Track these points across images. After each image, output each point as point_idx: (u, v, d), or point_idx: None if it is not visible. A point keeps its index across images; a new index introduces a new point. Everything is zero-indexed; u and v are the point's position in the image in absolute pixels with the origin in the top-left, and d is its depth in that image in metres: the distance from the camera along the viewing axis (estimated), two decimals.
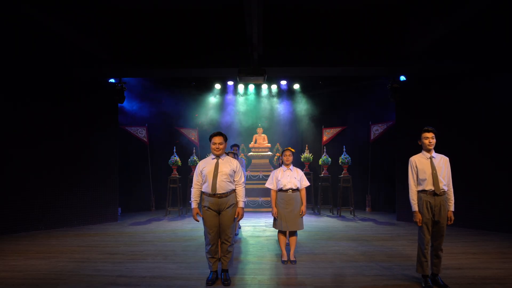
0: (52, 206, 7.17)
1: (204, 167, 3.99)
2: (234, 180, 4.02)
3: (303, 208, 4.68)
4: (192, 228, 7.22)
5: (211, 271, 4.00)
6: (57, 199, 7.23)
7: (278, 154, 10.18)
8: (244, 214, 8.84)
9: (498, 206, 6.63)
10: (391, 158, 8.96)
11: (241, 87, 10.94)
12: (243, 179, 4.09)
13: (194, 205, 4.01)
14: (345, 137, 10.12)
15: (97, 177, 7.81)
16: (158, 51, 7.38)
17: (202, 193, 4.02)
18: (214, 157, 4.05)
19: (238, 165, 4.10)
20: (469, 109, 7.11)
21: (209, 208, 3.92)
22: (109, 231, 6.96)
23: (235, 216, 3.98)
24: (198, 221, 4.10)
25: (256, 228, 7.27)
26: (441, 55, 7.10)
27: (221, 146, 4.00)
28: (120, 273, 4.30)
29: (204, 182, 3.97)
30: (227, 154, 5.45)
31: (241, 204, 4.00)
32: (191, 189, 4.10)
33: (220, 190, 3.90)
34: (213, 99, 11.00)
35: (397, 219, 8.10)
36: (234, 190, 4.02)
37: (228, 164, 4.00)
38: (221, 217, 3.94)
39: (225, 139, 4.07)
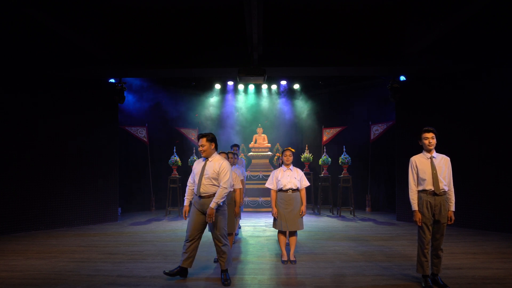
0: (52, 206, 7.16)
1: (195, 167, 4.11)
2: (219, 182, 3.97)
3: (303, 208, 4.68)
4: None
5: (179, 265, 4.06)
6: (57, 199, 7.22)
7: (278, 154, 10.18)
8: (244, 214, 8.98)
9: (498, 206, 6.62)
10: (391, 158, 8.95)
11: (241, 87, 10.93)
12: (227, 184, 3.94)
13: (186, 202, 4.13)
14: (345, 137, 10.10)
15: (97, 177, 7.80)
16: (158, 51, 7.38)
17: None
18: (204, 158, 4.13)
19: (225, 168, 3.98)
20: (469, 109, 7.10)
21: (194, 205, 4.03)
22: (109, 231, 6.96)
23: (208, 220, 3.88)
24: (185, 219, 4.09)
25: (256, 228, 7.27)
26: (441, 54, 7.10)
27: (203, 148, 4.03)
28: (120, 273, 4.31)
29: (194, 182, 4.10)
30: (227, 154, 5.45)
31: (212, 205, 3.85)
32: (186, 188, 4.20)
33: (203, 191, 3.96)
34: (213, 99, 10.99)
35: (397, 219, 8.10)
36: None
37: (213, 167, 3.98)
38: (206, 217, 3.93)
39: (209, 139, 4.03)
